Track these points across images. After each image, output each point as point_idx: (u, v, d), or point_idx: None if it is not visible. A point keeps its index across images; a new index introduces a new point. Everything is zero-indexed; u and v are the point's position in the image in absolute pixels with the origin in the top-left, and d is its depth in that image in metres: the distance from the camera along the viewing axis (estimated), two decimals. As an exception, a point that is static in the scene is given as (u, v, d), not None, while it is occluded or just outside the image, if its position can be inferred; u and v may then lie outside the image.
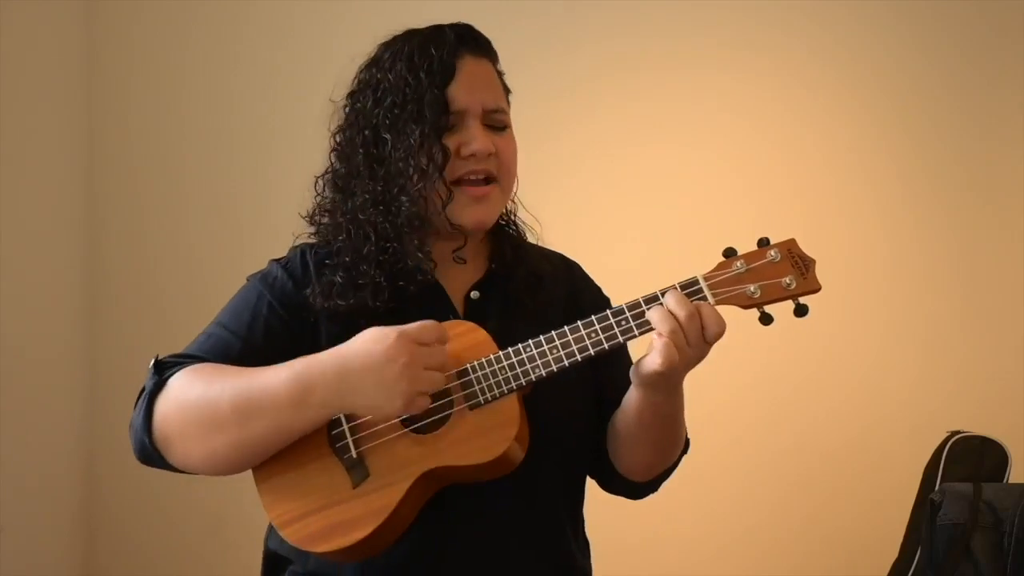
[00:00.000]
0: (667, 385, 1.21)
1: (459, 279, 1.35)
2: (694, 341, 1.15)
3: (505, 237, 1.41)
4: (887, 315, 2.76)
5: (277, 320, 1.29)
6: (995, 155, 2.80)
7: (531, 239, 1.45)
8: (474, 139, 1.29)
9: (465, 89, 1.31)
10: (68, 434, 2.72)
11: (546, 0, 2.85)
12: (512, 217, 1.44)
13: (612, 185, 2.82)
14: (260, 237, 2.69)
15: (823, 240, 2.73)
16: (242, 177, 2.82)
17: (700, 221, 2.76)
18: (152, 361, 1.25)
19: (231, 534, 2.70)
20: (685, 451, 1.40)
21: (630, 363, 1.27)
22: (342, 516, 1.18)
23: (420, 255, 1.29)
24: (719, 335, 1.16)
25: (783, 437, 2.77)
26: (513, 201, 1.43)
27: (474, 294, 1.34)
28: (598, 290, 1.47)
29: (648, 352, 1.17)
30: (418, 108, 1.29)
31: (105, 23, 2.84)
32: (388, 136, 1.30)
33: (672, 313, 1.15)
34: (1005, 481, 2.17)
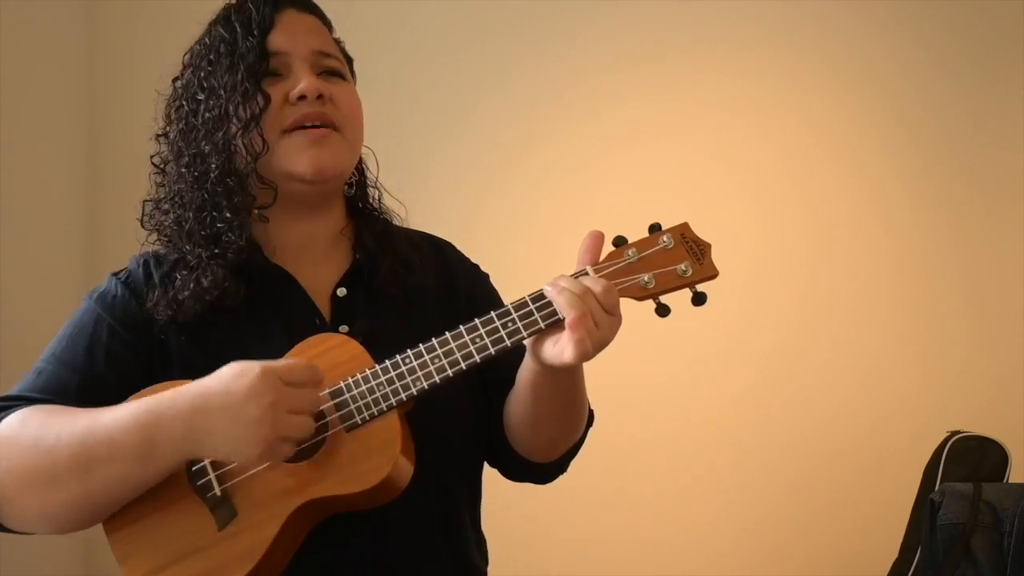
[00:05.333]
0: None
1: (322, 275, 1.23)
2: (600, 320, 1.04)
3: (368, 224, 1.29)
4: (887, 315, 2.75)
5: (120, 345, 1.15)
6: (996, 155, 2.80)
7: (397, 223, 1.34)
8: (300, 79, 1.18)
9: (286, 35, 1.21)
10: None
11: (544, 1, 2.85)
12: (377, 203, 1.33)
13: (611, 185, 2.82)
14: None
15: (824, 241, 2.78)
16: None
17: (701, 222, 2.76)
18: None
19: None
20: (590, 424, 1.29)
21: (517, 346, 1.14)
22: (207, 563, 1.04)
23: (238, 220, 1.16)
24: (610, 298, 1.05)
25: (784, 437, 2.76)
26: (376, 187, 1.34)
27: (340, 291, 1.22)
28: (473, 267, 1.36)
29: (551, 341, 1.06)
30: (232, 59, 1.19)
31: (105, 23, 2.84)
32: (202, 96, 1.19)
33: (575, 298, 1.04)
34: (1005, 481, 2.17)
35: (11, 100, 2.47)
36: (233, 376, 1.00)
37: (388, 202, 1.35)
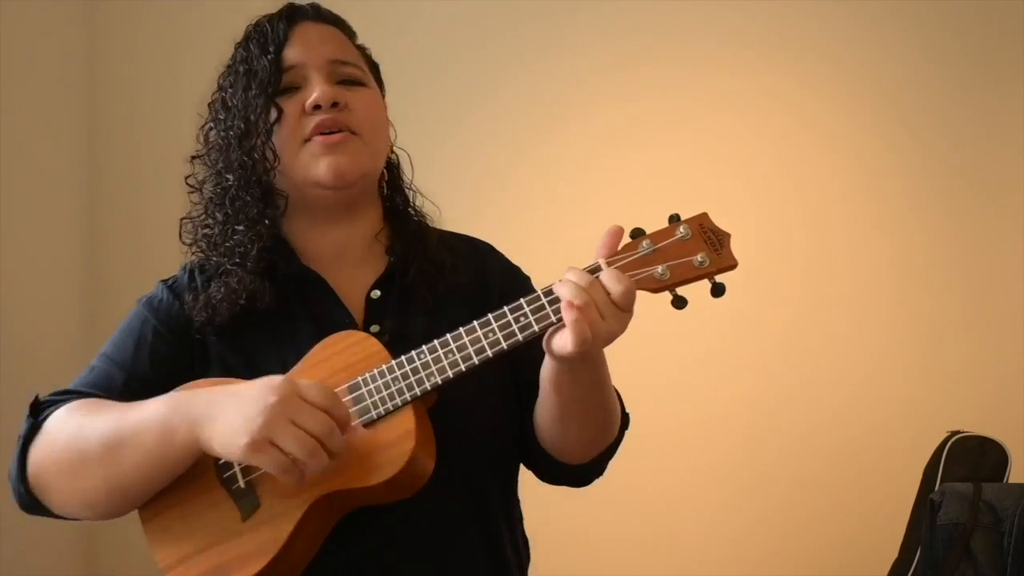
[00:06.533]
0: (583, 359, 1.09)
1: (358, 278, 1.26)
2: (606, 311, 1.04)
3: (402, 226, 1.32)
4: (887, 315, 2.75)
5: (164, 345, 1.22)
6: (996, 155, 2.80)
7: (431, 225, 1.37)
8: (314, 90, 1.22)
9: (300, 46, 1.25)
10: None
11: (544, 0, 2.86)
12: (412, 205, 1.36)
13: (611, 185, 2.82)
14: None
15: (824, 241, 2.77)
16: None
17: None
18: (31, 402, 1.19)
19: None
20: (625, 426, 1.29)
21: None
22: (231, 553, 1.08)
23: (260, 231, 1.22)
24: (627, 295, 1.05)
25: (783, 437, 2.76)
26: (410, 188, 1.36)
27: (374, 293, 1.25)
28: (513, 269, 1.37)
29: (558, 332, 1.07)
30: (248, 77, 1.23)
31: (105, 23, 2.85)
32: (222, 115, 1.26)
33: (577, 288, 1.04)
34: (1005, 481, 2.17)
35: (11, 100, 2.47)
36: (261, 380, 1.06)
37: (423, 204, 1.38)
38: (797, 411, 2.76)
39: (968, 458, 2.21)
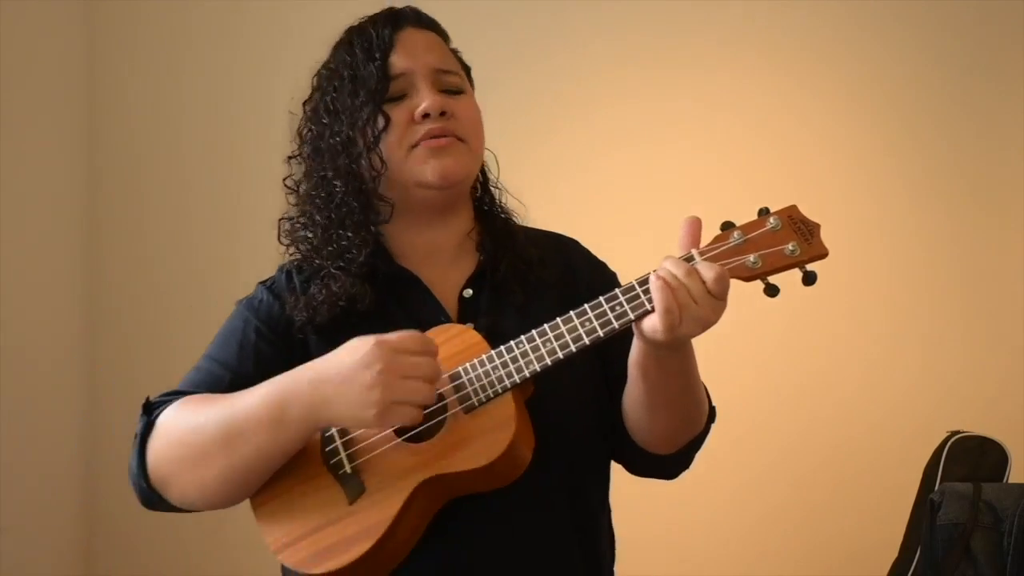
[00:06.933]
0: (672, 344, 1.13)
1: (450, 277, 1.31)
2: (699, 297, 1.08)
3: (491, 225, 1.36)
4: (887, 315, 2.76)
5: (266, 345, 1.27)
6: (996, 155, 2.81)
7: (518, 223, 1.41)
8: (423, 99, 1.26)
9: (406, 54, 1.28)
10: (68, 435, 2.73)
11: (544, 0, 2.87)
12: (498, 203, 1.40)
13: (611, 184, 2.83)
14: (260, 239, 2.69)
15: (824, 240, 2.76)
16: (242, 178, 2.83)
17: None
18: (143, 403, 1.24)
19: (228, 533, 2.71)
20: (712, 420, 1.31)
21: (632, 337, 1.20)
22: (339, 535, 1.14)
23: (366, 235, 1.26)
24: (720, 282, 1.08)
25: (783, 436, 2.77)
26: (496, 187, 1.40)
27: (467, 292, 1.30)
28: (600, 264, 1.41)
29: (649, 315, 1.10)
30: (355, 83, 1.27)
31: (105, 23, 2.85)
32: (327, 120, 1.29)
33: (671, 273, 1.09)
34: (1005, 481, 2.18)
35: (11, 100, 2.47)
36: (348, 350, 1.10)
37: (509, 202, 1.41)
38: (797, 410, 2.77)
39: (968, 458, 2.22)
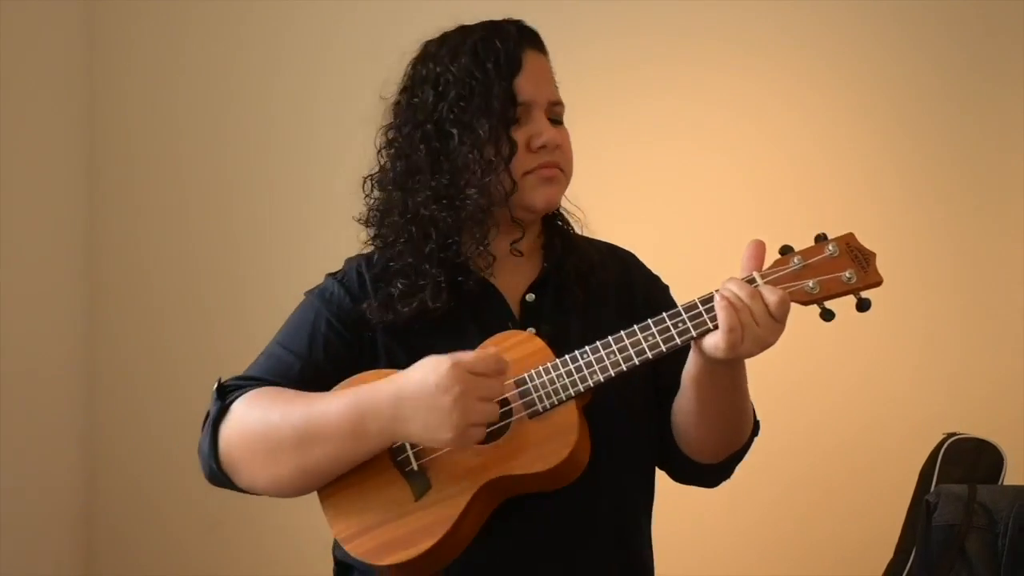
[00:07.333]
0: (729, 362, 1.19)
1: (515, 281, 1.36)
2: (761, 319, 1.14)
3: (556, 231, 1.42)
4: (884, 317, 2.73)
5: (336, 336, 1.30)
6: (993, 155, 2.82)
7: (576, 230, 1.46)
8: (544, 131, 1.32)
9: (531, 82, 1.32)
10: (69, 435, 2.73)
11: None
12: (559, 209, 1.44)
13: (611, 184, 2.80)
14: (261, 240, 2.70)
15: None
16: (243, 179, 2.84)
17: (701, 220, 2.79)
18: (215, 385, 1.26)
19: (228, 533, 2.72)
20: (755, 433, 1.37)
21: (686, 355, 1.25)
22: (405, 528, 1.18)
23: (480, 248, 1.30)
24: (782, 306, 1.15)
25: (780, 437, 2.71)
26: None
27: (529, 297, 1.35)
28: (654, 277, 1.47)
29: (711, 333, 1.16)
30: (486, 101, 1.29)
31: (105, 23, 2.85)
32: (454, 130, 1.30)
33: (735, 295, 1.14)
34: (1000, 483, 2.19)
35: (11, 101, 2.48)
36: (427, 370, 1.14)
37: (570, 210, 1.46)
38: (794, 411, 2.76)
39: (964, 460, 2.23)
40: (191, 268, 2.80)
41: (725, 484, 2.91)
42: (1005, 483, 2.19)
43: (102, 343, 2.81)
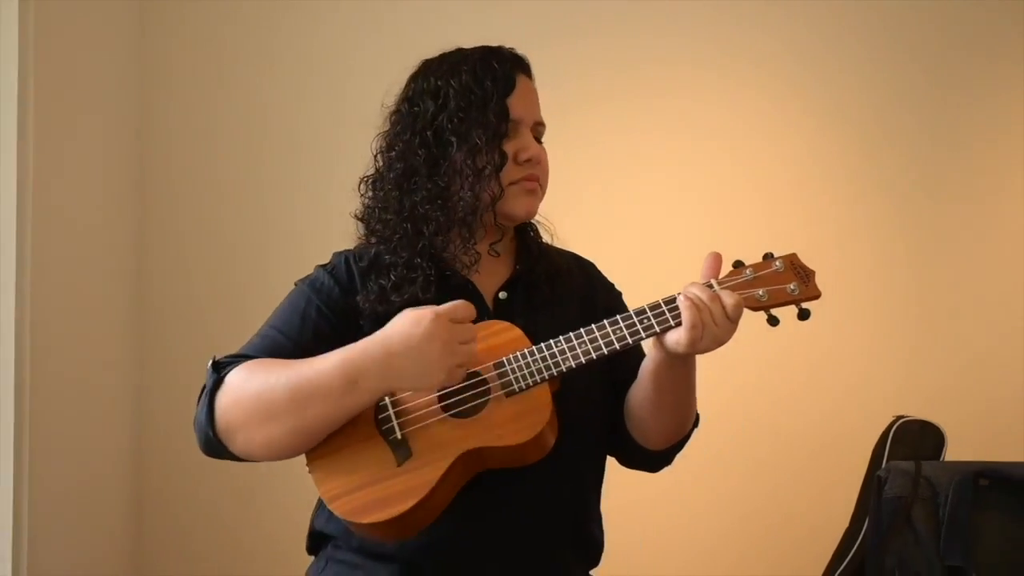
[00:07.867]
0: (687, 357, 1.30)
1: (489, 280, 1.44)
2: (719, 319, 1.24)
3: (528, 238, 1.50)
4: (838, 312, 2.80)
5: (325, 323, 1.37)
6: (945, 148, 2.85)
7: (546, 238, 1.54)
8: (530, 147, 1.42)
9: (522, 102, 1.42)
10: (120, 431, 2.71)
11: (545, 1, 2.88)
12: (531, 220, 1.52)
13: (610, 183, 2.87)
14: (305, 242, 2.60)
15: (774, 232, 2.77)
16: (288, 183, 2.83)
17: (696, 223, 2.82)
18: (210, 361, 1.31)
19: (270, 527, 2.73)
20: (695, 425, 1.47)
21: (641, 353, 1.38)
22: (387, 491, 1.25)
23: (467, 247, 1.39)
24: (737, 309, 1.25)
25: (746, 423, 2.82)
26: None
27: (502, 294, 1.43)
28: (611, 287, 1.56)
29: (674, 330, 1.26)
30: (483, 114, 1.39)
31: (157, 29, 2.84)
32: (453, 139, 1.39)
33: (698, 296, 1.25)
34: (941, 459, 2.30)
35: (65, 107, 2.42)
36: (411, 324, 1.22)
37: (542, 221, 1.54)
38: (756, 400, 2.83)
39: (910, 439, 2.32)
40: (236, 270, 2.80)
41: (702, 467, 2.99)
42: (946, 459, 2.30)
43: (151, 344, 2.80)
